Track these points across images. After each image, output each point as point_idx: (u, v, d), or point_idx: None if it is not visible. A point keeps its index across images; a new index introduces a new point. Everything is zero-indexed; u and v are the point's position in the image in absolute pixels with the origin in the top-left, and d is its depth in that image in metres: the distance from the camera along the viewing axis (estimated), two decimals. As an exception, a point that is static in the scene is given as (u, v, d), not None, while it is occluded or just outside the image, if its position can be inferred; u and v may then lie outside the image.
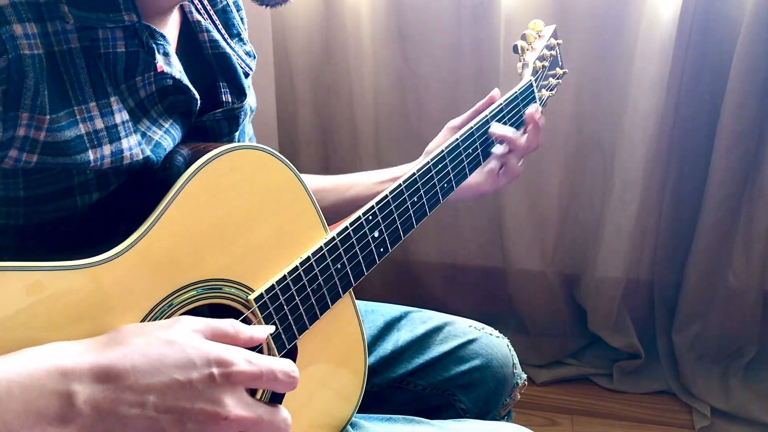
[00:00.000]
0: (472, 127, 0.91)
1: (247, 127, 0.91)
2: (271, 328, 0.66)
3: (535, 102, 1.02)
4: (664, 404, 1.70)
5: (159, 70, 0.64)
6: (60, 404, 0.48)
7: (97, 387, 0.49)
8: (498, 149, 0.96)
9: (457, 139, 0.89)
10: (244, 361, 0.54)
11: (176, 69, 0.66)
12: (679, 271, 1.73)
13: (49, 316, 0.54)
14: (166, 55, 0.65)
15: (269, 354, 0.70)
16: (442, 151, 0.87)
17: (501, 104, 0.96)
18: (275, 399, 0.68)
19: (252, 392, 0.64)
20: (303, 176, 1.03)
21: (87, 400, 0.49)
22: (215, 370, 0.53)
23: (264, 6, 0.72)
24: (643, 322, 1.80)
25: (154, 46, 0.64)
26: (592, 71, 1.56)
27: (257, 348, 0.69)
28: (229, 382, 0.53)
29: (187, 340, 0.54)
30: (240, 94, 0.76)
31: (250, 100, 0.90)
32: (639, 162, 1.57)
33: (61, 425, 0.48)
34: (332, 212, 0.85)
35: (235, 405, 0.54)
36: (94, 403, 0.49)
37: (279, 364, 0.56)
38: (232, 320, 0.59)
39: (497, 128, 0.94)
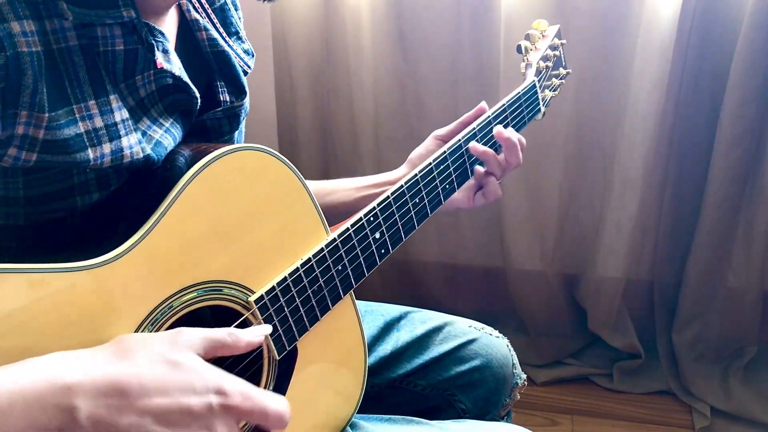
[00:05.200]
0: (474, 128, 0.91)
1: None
2: (269, 328, 0.66)
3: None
4: (664, 404, 1.70)
5: (159, 67, 0.64)
6: (62, 418, 0.48)
7: (100, 401, 0.49)
8: (479, 169, 0.92)
9: (459, 140, 0.89)
10: (240, 395, 0.55)
11: (176, 66, 0.66)
12: (679, 271, 1.73)
13: (49, 316, 0.53)
14: (165, 52, 0.65)
15: (269, 356, 0.70)
16: (444, 152, 0.87)
17: (504, 105, 0.95)
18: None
19: None
20: None
21: (90, 415, 0.49)
22: (214, 399, 0.53)
23: (261, 0, 0.72)
24: (643, 322, 1.80)
25: (153, 42, 0.64)
26: (592, 71, 1.56)
27: (258, 349, 0.69)
28: (224, 412, 0.54)
29: (192, 363, 0.54)
30: (239, 92, 0.75)
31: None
32: (639, 162, 1.57)
33: None
34: None
35: None
36: (96, 417, 0.49)
37: (273, 404, 0.56)
38: (228, 329, 0.59)
39: (476, 146, 0.90)
